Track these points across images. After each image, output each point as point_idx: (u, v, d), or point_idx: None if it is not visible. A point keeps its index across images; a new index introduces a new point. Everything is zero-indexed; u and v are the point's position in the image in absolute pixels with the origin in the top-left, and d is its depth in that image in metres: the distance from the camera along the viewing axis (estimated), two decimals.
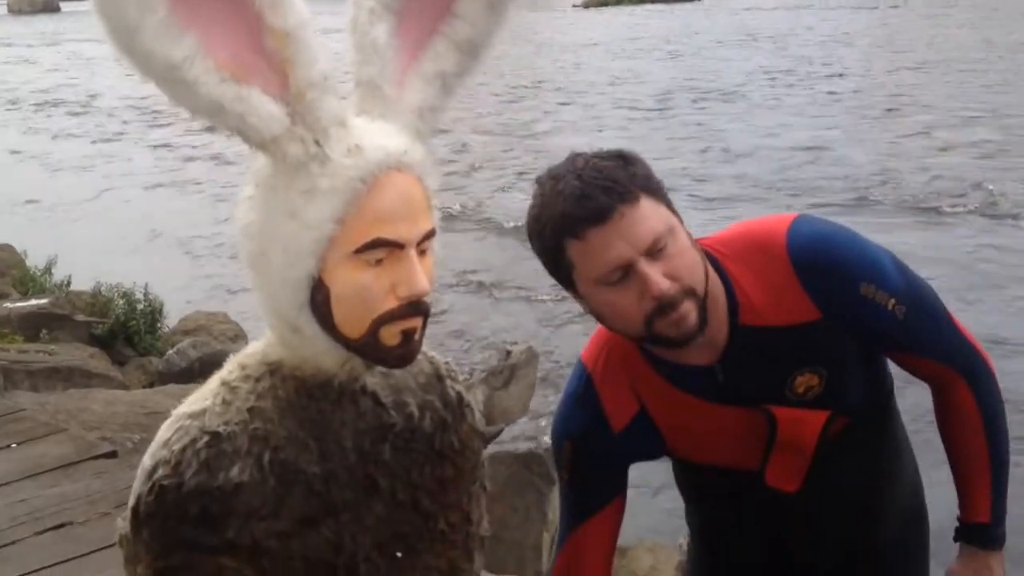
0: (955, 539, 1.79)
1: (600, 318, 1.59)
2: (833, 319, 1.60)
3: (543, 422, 6.41)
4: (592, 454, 1.71)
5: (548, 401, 6.52)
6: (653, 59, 24.53)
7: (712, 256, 1.60)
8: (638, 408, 1.68)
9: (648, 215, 1.48)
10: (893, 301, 1.61)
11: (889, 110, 16.20)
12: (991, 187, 11.28)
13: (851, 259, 1.61)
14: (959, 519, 1.77)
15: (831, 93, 17.91)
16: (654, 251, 1.47)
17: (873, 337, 1.64)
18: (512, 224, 11.01)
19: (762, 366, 1.61)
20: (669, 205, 1.53)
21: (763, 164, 13.10)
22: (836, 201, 11.08)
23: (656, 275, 1.47)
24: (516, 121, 17.26)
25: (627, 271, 1.48)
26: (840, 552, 1.79)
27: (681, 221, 1.55)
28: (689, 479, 1.86)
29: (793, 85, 18.93)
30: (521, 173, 13.34)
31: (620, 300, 1.51)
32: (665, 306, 1.48)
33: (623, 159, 1.52)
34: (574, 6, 53.42)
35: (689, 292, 1.49)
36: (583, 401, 1.71)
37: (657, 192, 1.51)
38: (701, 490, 1.86)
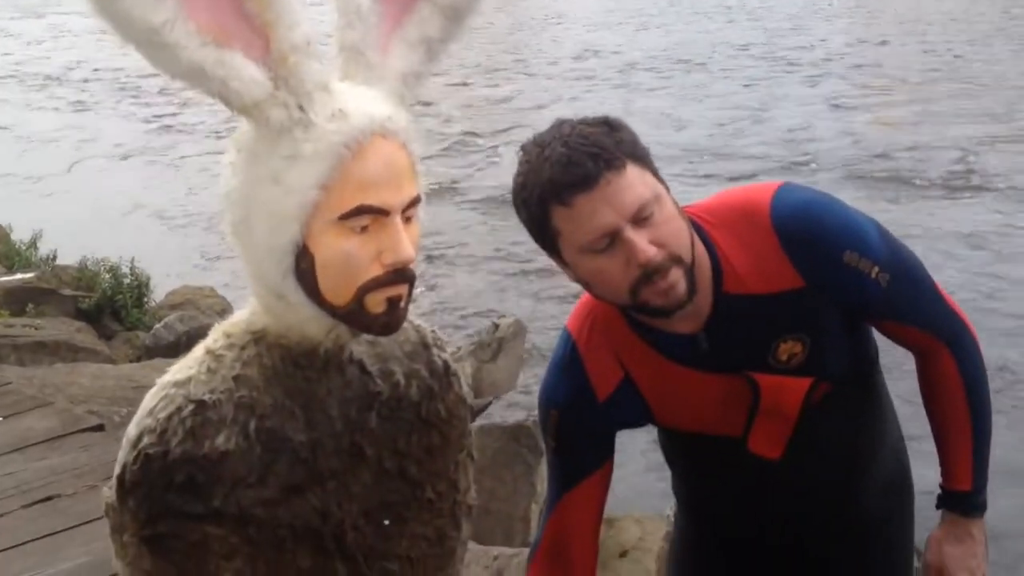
0: (937, 507, 1.80)
1: (586, 286, 1.58)
2: (817, 287, 1.60)
3: (531, 395, 6.42)
4: (578, 422, 1.71)
5: (536, 374, 6.53)
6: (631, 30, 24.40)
7: (697, 224, 1.60)
8: (623, 376, 1.68)
9: (634, 182, 1.47)
10: (876, 269, 1.61)
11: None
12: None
13: (834, 227, 1.61)
14: (941, 486, 1.78)
15: (792, 64, 17.83)
16: (640, 218, 1.47)
17: (857, 305, 1.64)
18: (497, 197, 11.00)
19: (746, 334, 1.61)
20: (655, 172, 1.53)
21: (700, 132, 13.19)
22: (768, 167, 11.27)
23: (642, 242, 1.46)
24: (496, 95, 17.17)
25: (613, 238, 1.47)
26: (824, 519, 1.80)
27: (667, 189, 1.54)
28: (674, 447, 1.87)
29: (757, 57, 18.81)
30: (494, 147, 13.27)
31: (606, 268, 1.50)
32: (651, 273, 1.48)
33: (609, 125, 1.51)
34: None
35: (676, 259, 1.49)
36: (568, 369, 1.71)
37: (643, 159, 1.51)
38: (686, 458, 1.87)
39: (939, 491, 1.78)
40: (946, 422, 1.75)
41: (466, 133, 14.08)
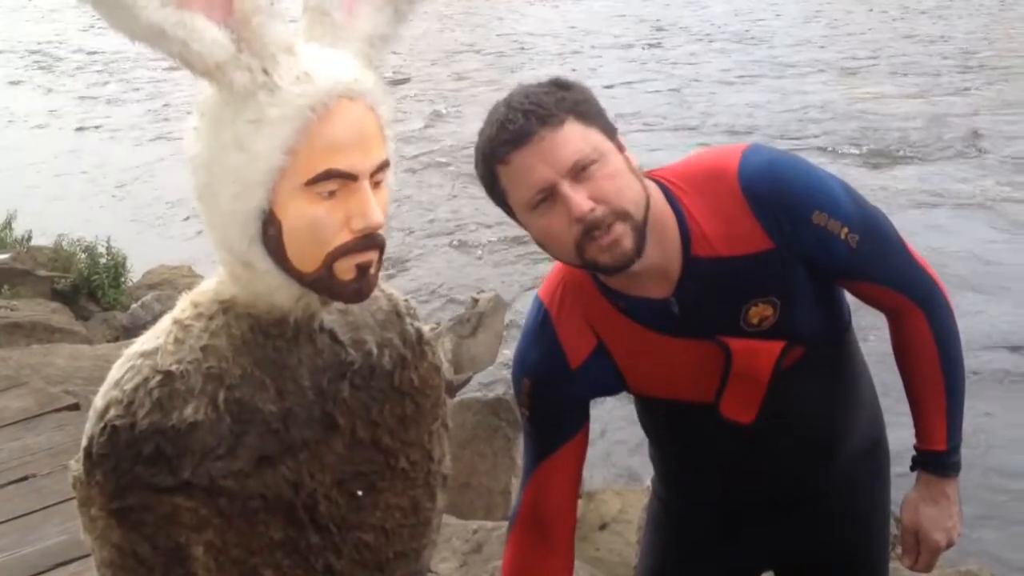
0: (912, 468, 1.80)
1: (542, 246, 1.57)
2: (785, 248, 1.58)
3: (511, 370, 6.42)
4: (552, 390, 1.71)
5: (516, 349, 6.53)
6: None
7: (665, 187, 1.58)
8: (595, 343, 1.67)
9: (571, 138, 1.46)
10: (846, 230, 1.60)
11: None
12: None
13: (802, 187, 1.59)
14: (915, 447, 1.78)
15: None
16: (577, 173, 1.46)
17: (826, 266, 1.63)
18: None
19: (716, 297, 1.60)
20: (605, 130, 1.51)
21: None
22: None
23: (577, 196, 1.45)
24: (484, 72, 17.11)
25: (550, 194, 1.47)
26: (800, 482, 1.80)
27: (621, 148, 1.53)
28: (649, 414, 1.86)
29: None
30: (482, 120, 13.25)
31: (551, 225, 1.49)
32: (591, 228, 1.46)
33: (557, 85, 1.51)
34: None
35: (620, 214, 1.47)
36: (540, 338, 1.70)
37: (587, 116, 1.49)
38: (660, 425, 1.86)
39: (913, 452, 1.79)
40: (920, 383, 1.75)
41: None
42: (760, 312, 1.61)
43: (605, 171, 1.47)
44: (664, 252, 1.56)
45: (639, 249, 1.50)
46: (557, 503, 1.77)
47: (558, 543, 1.80)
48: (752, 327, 1.62)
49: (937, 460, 1.76)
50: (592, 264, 1.51)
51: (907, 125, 11.59)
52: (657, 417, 1.84)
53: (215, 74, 1.09)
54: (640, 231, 1.49)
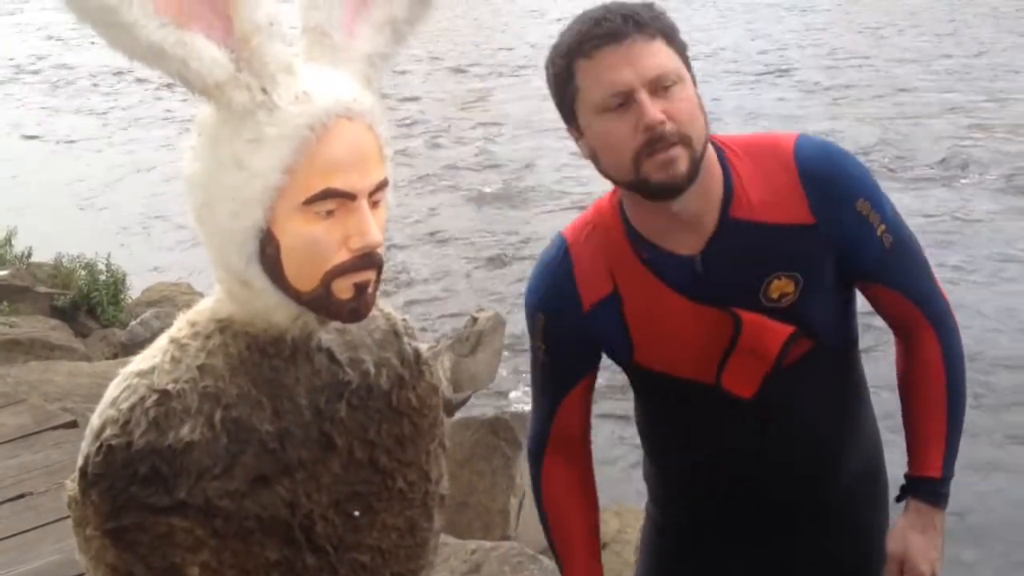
0: (899, 497, 1.77)
1: (595, 157, 1.58)
2: (825, 228, 1.61)
3: (510, 388, 6.41)
4: (564, 327, 1.73)
5: (515, 366, 6.52)
6: None
7: (719, 148, 1.62)
8: (611, 290, 1.68)
9: (659, 52, 1.51)
10: (883, 227, 1.65)
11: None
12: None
13: (853, 174, 1.65)
14: (907, 475, 1.76)
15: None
16: (658, 87, 1.50)
17: (858, 258, 1.65)
18: (480, 191, 10.99)
19: (742, 263, 1.61)
20: (686, 62, 1.57)
21: None
22: None
23: (653, 106, 1.48)
24: (477, 91, 17.15)
25: (626, 100, 1.50)
26: (798, 488, 1.77)
27: (695, 83, 1.57)
28: (648, 402, 1.85)
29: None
30: (490, 139, 13.31)
31: (615, 130, 1.51)
32: (655, 141, 1.49)
33: (651, 7, 1.56)
34: None
35: (685, 139, 1.51)
36: (556, 272, 1.72)
37: (675, 43, 1.55)
38: (659, 415, 1.84)
39: (904, 480, 1.76)
40: (922, 406, 1.74)
41: None
42: (781, 287, 1.62)
43: (682, 94, 1.52)
44: (703, 204, 1.59)
45: (691, 178, 1.53)
46: (579, 428, 1.85)
47: (586, 458, 1.88)
48: (771, 302, 1.62)
49: (930, 488, 1.74)
50: (643, 181, 1.53)
51: None
52: (656, 404, 1.83)
53: (214, 93, 1.10)
54: (696, 163, 1.53)
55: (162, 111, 15.21)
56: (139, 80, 16.93)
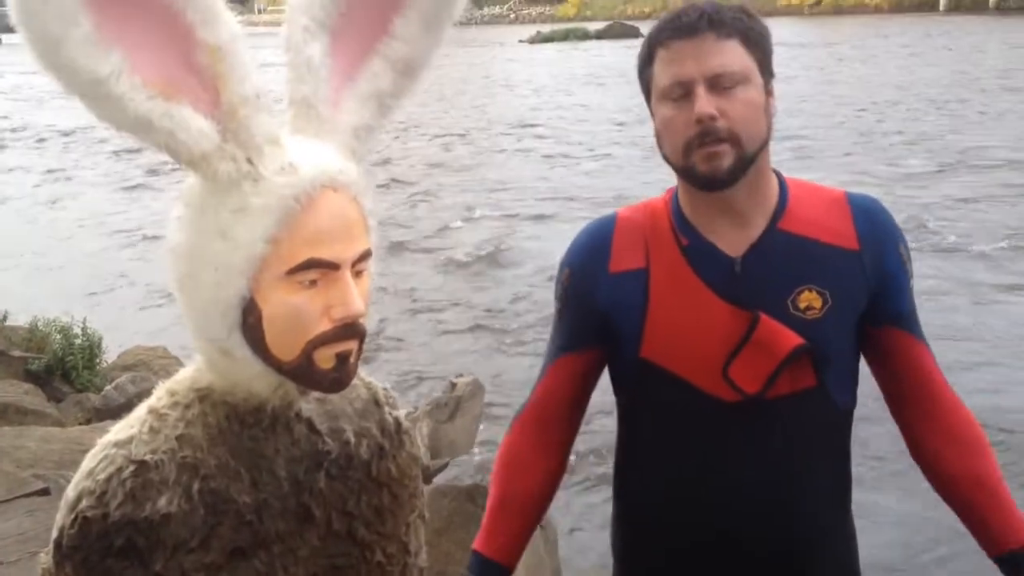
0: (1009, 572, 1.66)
1: (658, 138, 1.67)
2: (867, 258, 1.67)
3: (489, 455, 6.36)
4: (584, 289, 1.76)
5: (494, 435, 6.48)
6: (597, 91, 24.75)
7: (778, 174, 1.71)
8: (643, 265, 1.72)
9: (728, 52, 1.59)
10: (913, 283, 1.73)
11: None
12: None
13: (897, 224, 1.74)
14: (998, 554, 1.66)
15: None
16: (718, 84, 1.57)
17: (893, 298, 1.69)
18: (462, 257, 11.02)
19: (780, 270, 1.65)
20: (763, 67, 1.63)
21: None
22: None
23: (708, 101, 1.56)
24: (463, 157, 17.31)
25: (687, 91, 1.59)
26: (762, 545, 1.71)
27: (770, 92, 1.64)
28: (634, 414, 1.81)
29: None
30: (470, 207, 13.40)
31: (675, 118, 1.60)
32: (705, 134, 1.57)
33: (744, 11, 1.64)
34: (520, 41, 54.23)
35: (734, 138, 1.58)
36: (596, 232, 1.78)
37: (753, 45, 1.62)
38: (641, 431, 1.80)
39: (1004, 555, 1.66)
40: (976, 474, 1.69)
41: None
42: (810, 299, 1.65)
43: (743, 96, 1.59)
44: (754, 204, 1.66)
45: (733, 176, 1.60)
46: (566, 406, 1.84)
47: (555, 448, 1.86)
48: (797, 311, 1.65)
49: None
50: (691, 169, 1.61)
51: None
52: (642, 419, 1.79)
53: (200, 164, 1.10)
54: (743, 162, 1.59)
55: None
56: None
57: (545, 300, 8.92)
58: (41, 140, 20.31)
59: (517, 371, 7.49)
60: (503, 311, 9.22)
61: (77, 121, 20.07)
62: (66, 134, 20.38)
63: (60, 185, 16.01)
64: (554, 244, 10.46)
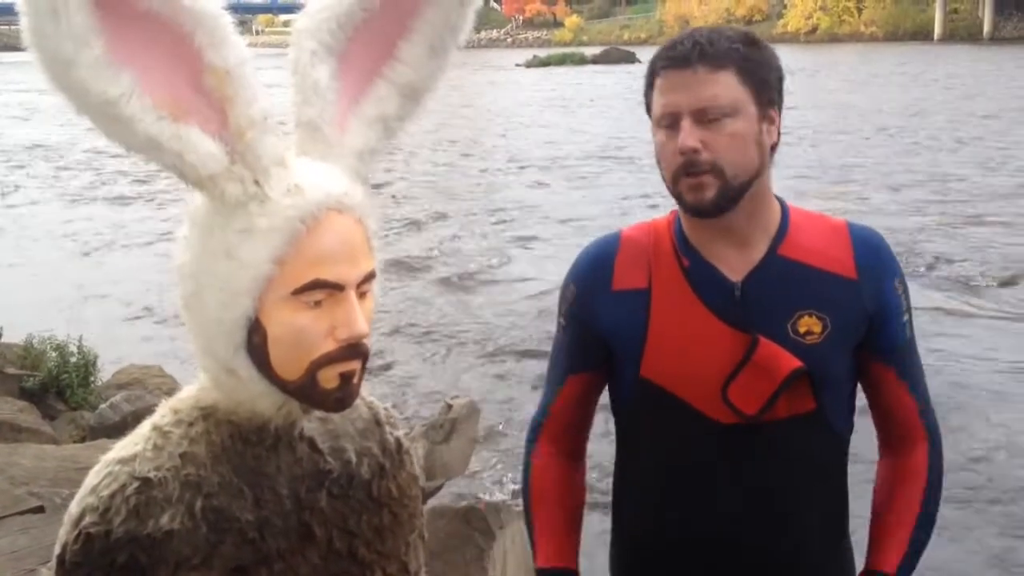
0: None
1: (656, 161, 1.70)
2: (864, 288, 1.69)
3: (484, 478, 6.36)
4: (588, 307, 1.78)
5: (489, 457, 6.48)
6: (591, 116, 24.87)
7: (780, 200, 1.74)
8: (644, 285, 1.74)
9: (719, 84, 1.60)
10: (907, 317, 1.75)
11: None
12: None
13: (894, 258, 1.76)
14: (864, 572, 1.76)
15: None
16: (704, 116, 1.59)
17: (885, 330, 1.71)
18: (457, 277, 11.04)
19: (780, 296, 1.67)
20: (761, 96, 1.63)
21: None
22: None
23: (690, 133, 1.59)
24: (463, 179, 17.36)
25: (674, 122, 1.62)
26: (760, 542, 1.73)
27: (771, 120, 1.65)
28: (634, 434, 1.82)
29: None
30: (463, 226, 13.44)
31: (665, 146, 1.64)
32: (688, 165, 1.60)
33: (746, 38, 1.65)
34: (516, 64, 54.56)
35: (717, 170, 1.60)
36: (601, 251, 1.81)
37: (749, 75, 1.62)
38: (639, 452, 1.81)
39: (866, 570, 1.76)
40: (894, 514, 1.76)
41: None
42: (810, 324, 1.67)
43: (730, 128, 1.60)
44: (753, 229, 1.68)
45: (719, 207, 1.61)
46: (580, 417, 1.89)
47: (579, 456, 1.93)
48: (796, 335, 1.66)
49: None
50: (679, 197, 1.65)
51: None
52: (641, 441, 1.80)
53: (207, 184, 1.12)
54: (727, 194, 1.61)
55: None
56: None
57: (539, 322, 8.95)
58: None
59: (513, 392, 7.49)
60: (496, 331, 9.22)
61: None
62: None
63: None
64: (548, 265, 10.52)
